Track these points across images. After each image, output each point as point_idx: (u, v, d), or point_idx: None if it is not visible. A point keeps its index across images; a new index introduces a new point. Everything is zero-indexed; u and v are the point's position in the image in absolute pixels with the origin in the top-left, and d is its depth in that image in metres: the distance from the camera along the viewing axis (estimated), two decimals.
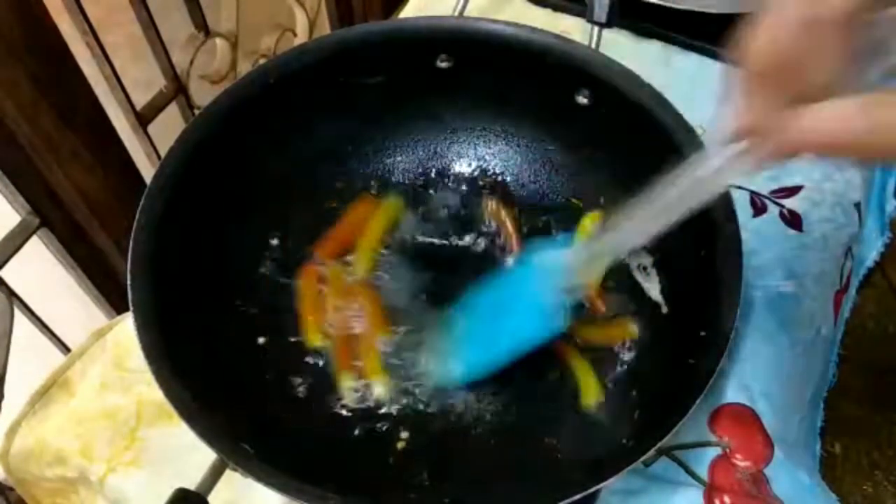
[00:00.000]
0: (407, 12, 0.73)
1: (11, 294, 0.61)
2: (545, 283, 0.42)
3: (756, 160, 0.29)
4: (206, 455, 0.36)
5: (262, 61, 0.83)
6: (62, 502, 0.53)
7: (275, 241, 0.51)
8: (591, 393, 0.45)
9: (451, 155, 0.56)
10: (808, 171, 0.58)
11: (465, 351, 0.46)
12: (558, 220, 0.53)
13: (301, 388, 0.46)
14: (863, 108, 0.25)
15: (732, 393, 0.48)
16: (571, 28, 0.66)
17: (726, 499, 0.45)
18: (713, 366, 0.37)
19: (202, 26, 0.74)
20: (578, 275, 0.41)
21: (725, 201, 0.42)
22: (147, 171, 0.69)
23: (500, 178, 0.55)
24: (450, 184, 0.55)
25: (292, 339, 0.48)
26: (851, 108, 0.25)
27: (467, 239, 0.53)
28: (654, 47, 0.67)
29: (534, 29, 0.49)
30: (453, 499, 0.42)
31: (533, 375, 0.47)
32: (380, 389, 0.46)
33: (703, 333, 0.39)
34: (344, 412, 0.46)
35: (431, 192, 0.55)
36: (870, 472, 0.57)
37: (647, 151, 0.47)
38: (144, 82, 0.73)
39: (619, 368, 0.46)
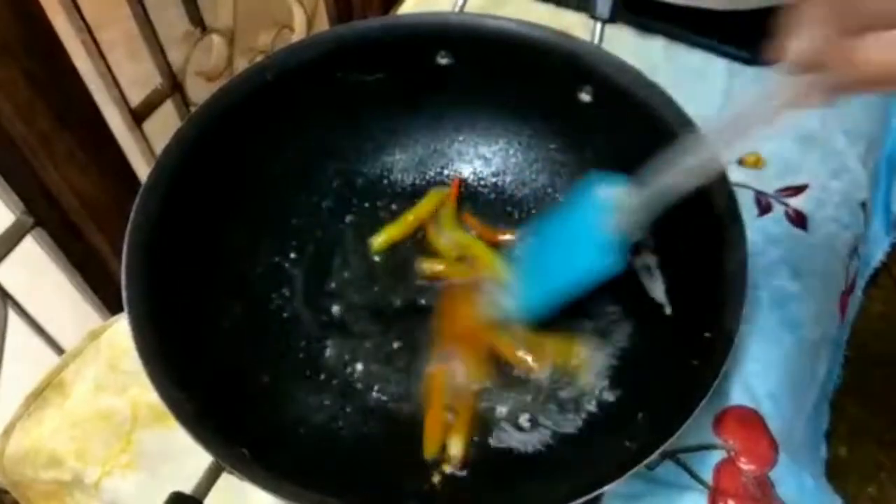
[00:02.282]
0: (406, 8, 0.72)
1: (5, 295, 0.61)
2: (600, 221, 0.41)
3: (818, 93, 0.28)
4: (202, 458, 0.36)
5: (259, 58, 0.82)
6: None
7: (272, 241, 0.50)
8: None
9: (452, 153, 0.55)
10: (814, 171, 0.57)
11: (524, 288, 0.45)
12: None
13: (299, 391, 0.46)
14: None
15: (737, 395, 0.47)
16: (574, 24, 0.65)
17: (731, 503, 0.44)
18: (717, 368, 0.36)
19: (198, 23, 0.74)
20: (636, 214, 0.40)
21: (730, 201, 0.41)
22: (142, 169, 0.69)
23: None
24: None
25: (290, 342, 0.48)
26: None
27: None
28: (657, 43, 0.66)
29: (535, 25, 0.48)
30: (453, 502, 0.42)
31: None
32: None
33: (707, 335, 0.39)
34: (342, 415, 0.45)
35: None
36: (875, 473, 0.56)
37: (651, 149, 0.46)
38: (140, 80, 0.73)
39: (620, 369, 0.46)
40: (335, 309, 0.49)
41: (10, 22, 0.49)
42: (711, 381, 0.36)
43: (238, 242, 0.49)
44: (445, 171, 0.55)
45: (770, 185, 0.56)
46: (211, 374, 0.41)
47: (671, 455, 0.46)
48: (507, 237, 0.52)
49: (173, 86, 0.73)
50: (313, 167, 0.52)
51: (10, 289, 0.61)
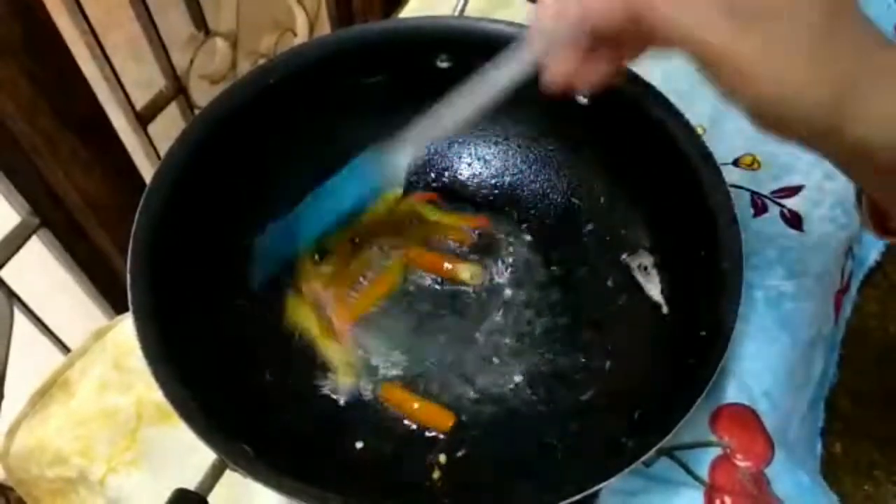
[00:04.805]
0: (407, 12, 0.73)
1: (11, 294, 0.61)
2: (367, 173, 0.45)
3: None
4: (206, 455, 0.36)
5: (262, 61, 0.83)
6: (62, 502, 0.53)
7: None
8: None
9: (452, 155, 0.56)
10: (809, 171, 0.57)
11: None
12: (559, 220, 0.53)
13: (301, 389, 0.46)
14: None
15: (733, 393, 0.48)
16: None
17: (727, 499, 0.44)
18: (713, 366, 0.37)
19: (202, 26, 0.74)
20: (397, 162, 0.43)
21: (726, 202, 0.42)
22: (147, 171, 0.69)
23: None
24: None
25: (293, 340, 0.48)
26: None
27: None
28: None
29: None
30: (453, 499, 0.42)
31: (535, 376, 0.47)
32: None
33: (703, 333, 0.39)
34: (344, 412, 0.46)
35: None
36: (870, 471, 0.56)
37: (648, 150, 0.47)
38: (144, 82, 0.73)
39: (617, 368, 0.47)
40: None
41: (13, 23, 0.50)
42: (707, 379, 0.36)
43: (241, 243, 0.49)
44: (446, 173, 0.56)
45: (766, 186, 0.57)
46: (215, 373, 0.41)
47: (668, 452, 0.46)
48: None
49: (177, 89, 0.73)
50: (314, 169, 0.53)
51: (17, 288, 0.62)
